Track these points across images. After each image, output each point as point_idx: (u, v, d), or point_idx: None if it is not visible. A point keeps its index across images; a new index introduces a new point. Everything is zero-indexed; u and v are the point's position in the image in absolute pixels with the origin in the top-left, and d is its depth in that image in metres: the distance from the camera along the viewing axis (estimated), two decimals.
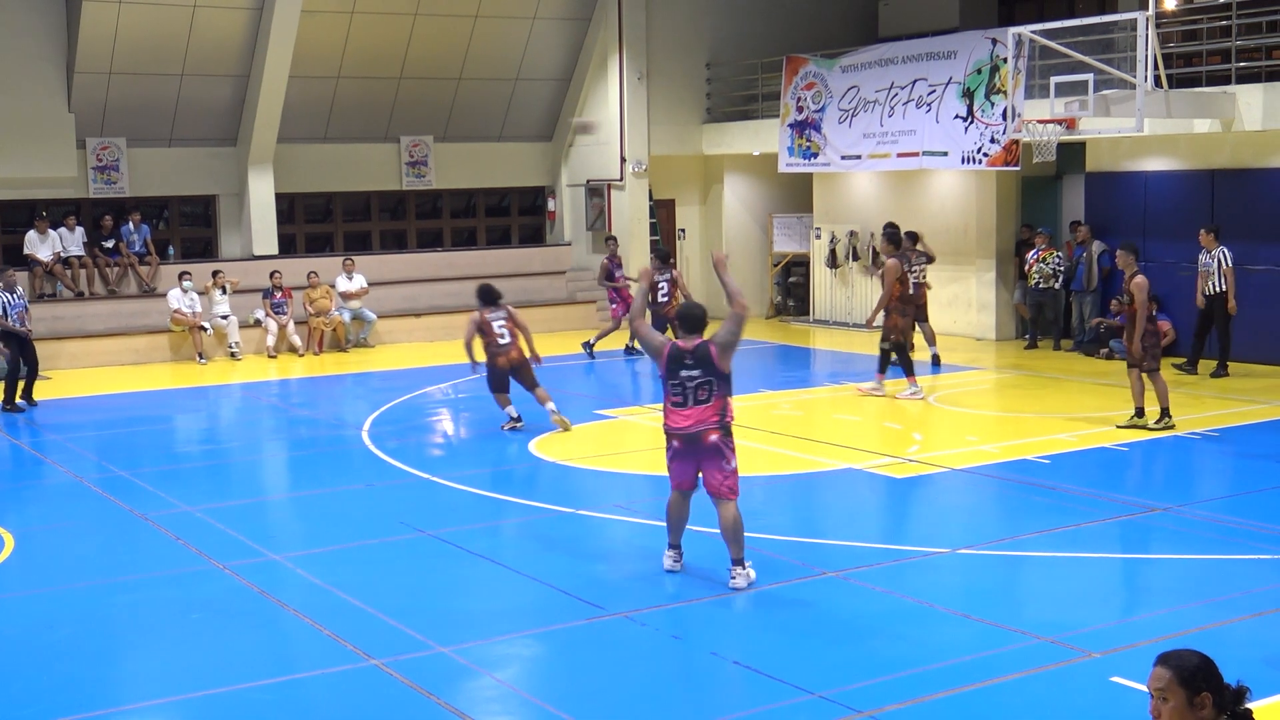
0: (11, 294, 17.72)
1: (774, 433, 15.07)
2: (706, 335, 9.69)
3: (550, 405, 15.09)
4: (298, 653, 8.49)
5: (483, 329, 15.11)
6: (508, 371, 15.13)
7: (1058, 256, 21.05)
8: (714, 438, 9.44)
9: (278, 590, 9.61)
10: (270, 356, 22.75)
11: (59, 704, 7.61)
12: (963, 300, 23.17)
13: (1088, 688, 7.60)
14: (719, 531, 9.58)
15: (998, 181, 22.19)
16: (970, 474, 12.90)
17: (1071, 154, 21.41)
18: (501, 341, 15.08)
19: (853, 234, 24.80)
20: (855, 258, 24.69)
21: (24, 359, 17.80)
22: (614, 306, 21.94)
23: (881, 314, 17.38)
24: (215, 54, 23.38)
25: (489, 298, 15.27)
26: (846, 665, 7.97)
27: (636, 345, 20.81)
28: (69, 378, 20.45)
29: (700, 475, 9.56)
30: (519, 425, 15.23)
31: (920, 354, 18.67)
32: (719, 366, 9.51)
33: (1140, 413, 14.48)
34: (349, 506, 12.35)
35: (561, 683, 7.97)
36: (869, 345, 20.64)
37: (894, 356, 17.10)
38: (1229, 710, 4.53)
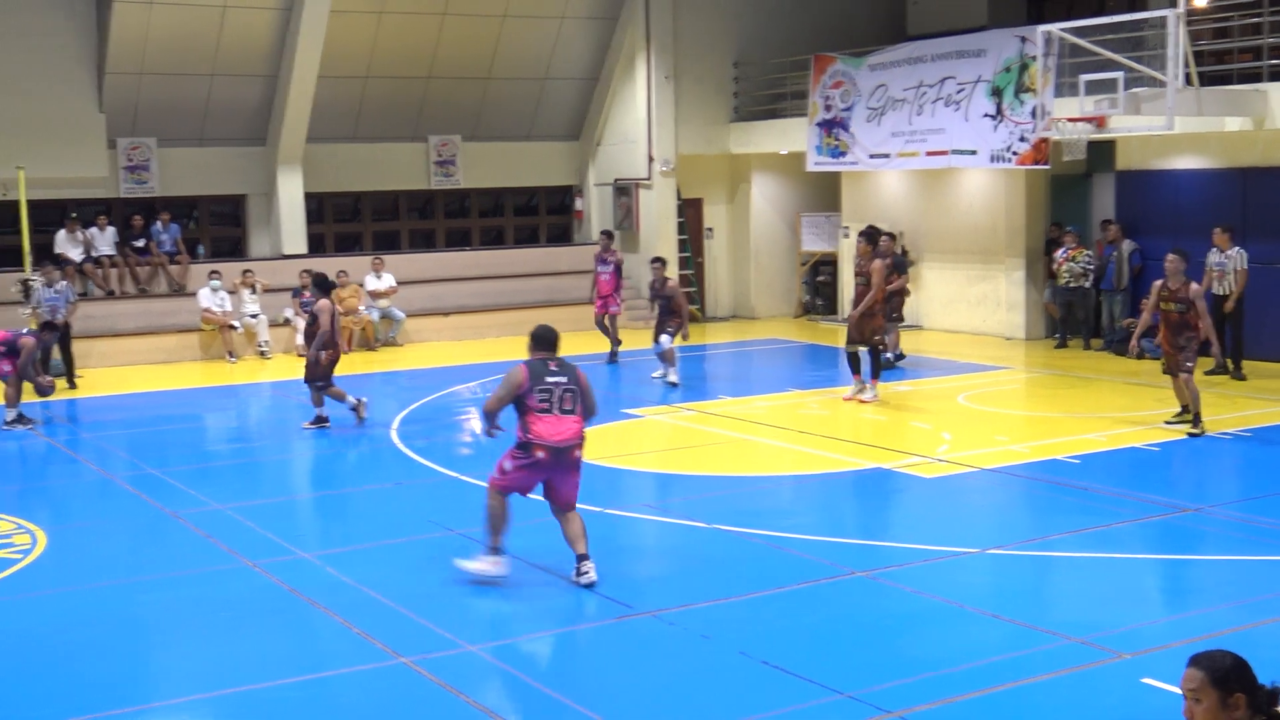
0: (50, 288, 18.84)
1: (802, 432, 15.04)
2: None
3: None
4: (327, 650, 8.51)
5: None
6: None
7: (1087, 255, 20.95)
8: (578, 454, 9.55)
9: (307, 588, 9.64)
10: (299, 355, 22.80)
11: (90, 700, 7.66)
12: (991, 299, 23.08)
13: (1118, 689, 7.55)
14: (567, 537, 9.62)
15: (1027, 180, 22.09)
16: (1000, 474, 12.85)
17: (1101, 152, 21.29)
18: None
19: (892, 234, 24.67)
20: (884, 256, 24.57)
21: (62, 350, 18.85)
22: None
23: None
24: (245, 54, 23.48)
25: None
26: (875, 665, 7.95)
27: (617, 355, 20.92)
28: (100, 376, 20.57)
29: (545, 485, 9.61)
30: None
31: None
32: (583, 383, 9.63)
33: (1186, 409, 14.46)
34: (378, 505, 12.39)
35: (590, 681, 7.97)
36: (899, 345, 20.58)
37: (865, 358, 16.76)
38: (1264, 712, 4.50)
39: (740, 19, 26.57)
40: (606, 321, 21.13)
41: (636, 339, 21.83)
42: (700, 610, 8.97)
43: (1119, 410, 15.70)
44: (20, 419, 16.14)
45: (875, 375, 16.69)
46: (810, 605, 9.13)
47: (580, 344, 20.96)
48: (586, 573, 9.51)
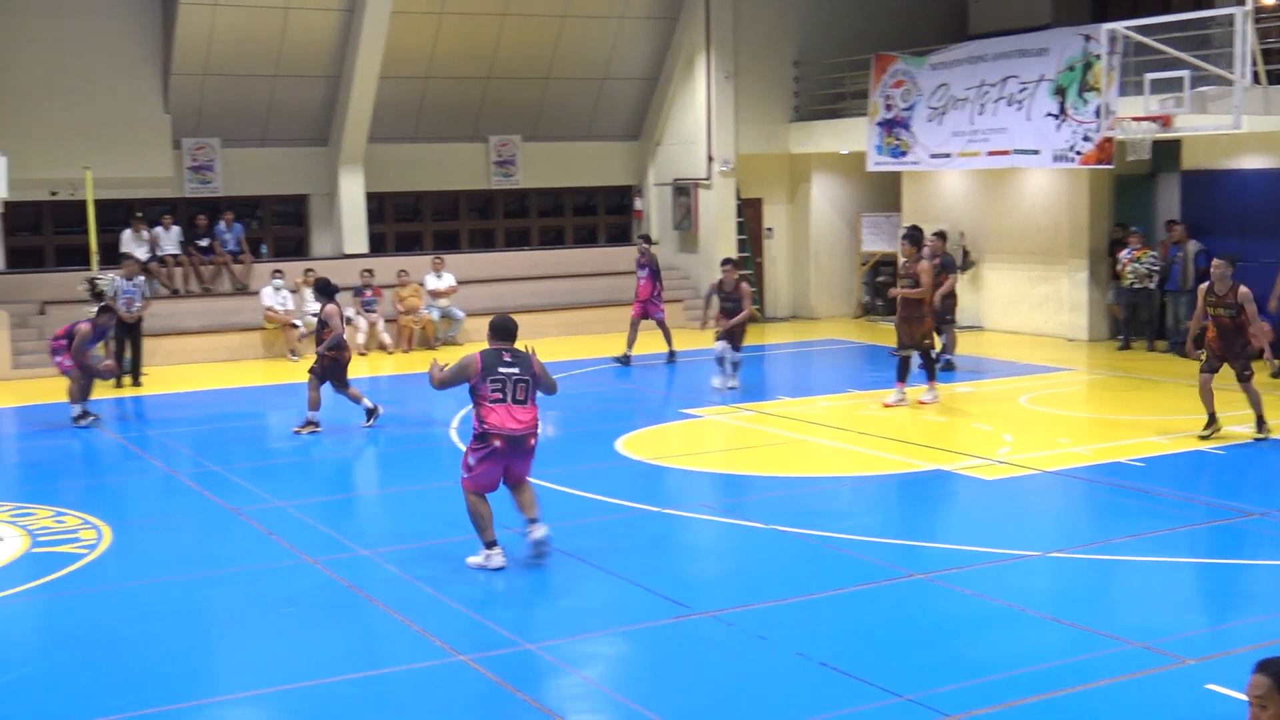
0: (128, 281, 19.82)
1: (861, 433, 14.97)
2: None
3: None
4: (386, 647, 8.57)
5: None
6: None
7: (1152, 256, 20.71)
8: (533, 442, 9.99)
9: (367, 585, 9.71)
10: (360, 354, 22.98)
11: (153, 695, 7.75)
12: (1054, 300, 22.87)
13: (1182, 695, 7.46)
14: (518, 504, 10.10)
15: (1090, 180, 21.87)
16: (1061, 476, 12.74)
17: (1167, 152, 21.04)
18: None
19: (942, 233, 24.52)
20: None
21: (130, 344, 19.60)
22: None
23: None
24: (307, 55, 23.69)
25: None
26: (934, 668, 7.89)
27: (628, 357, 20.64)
28: (164, 374, 20.82)
29: (510, 473, 10.01)
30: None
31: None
32: (537, 370, 9.96)
33: (1214, 419, 14.04)
34: (437, 503, 12.44)
35: (647, 681, 7.97)
36: (959, 345, 20.45)
37: (918, 362, 16.56)
38: None
39: (801, 18, 26.49)
40: (659, 326, 20.91)
41: (691, 339, 21.80)
42: (758, 611, 8.95)
43: (1183, 413, 15.49)
44: (85, 414, 16.35)
45: (931, 378, 16.52)
46: (868, 607, 9.09)
47: (648, 344, 20.99)
48: (536, 531, 10.04)
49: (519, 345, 10.11)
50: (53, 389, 19.24)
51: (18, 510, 12.10)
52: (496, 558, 9.97)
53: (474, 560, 10.05)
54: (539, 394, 10.06)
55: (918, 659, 8.07)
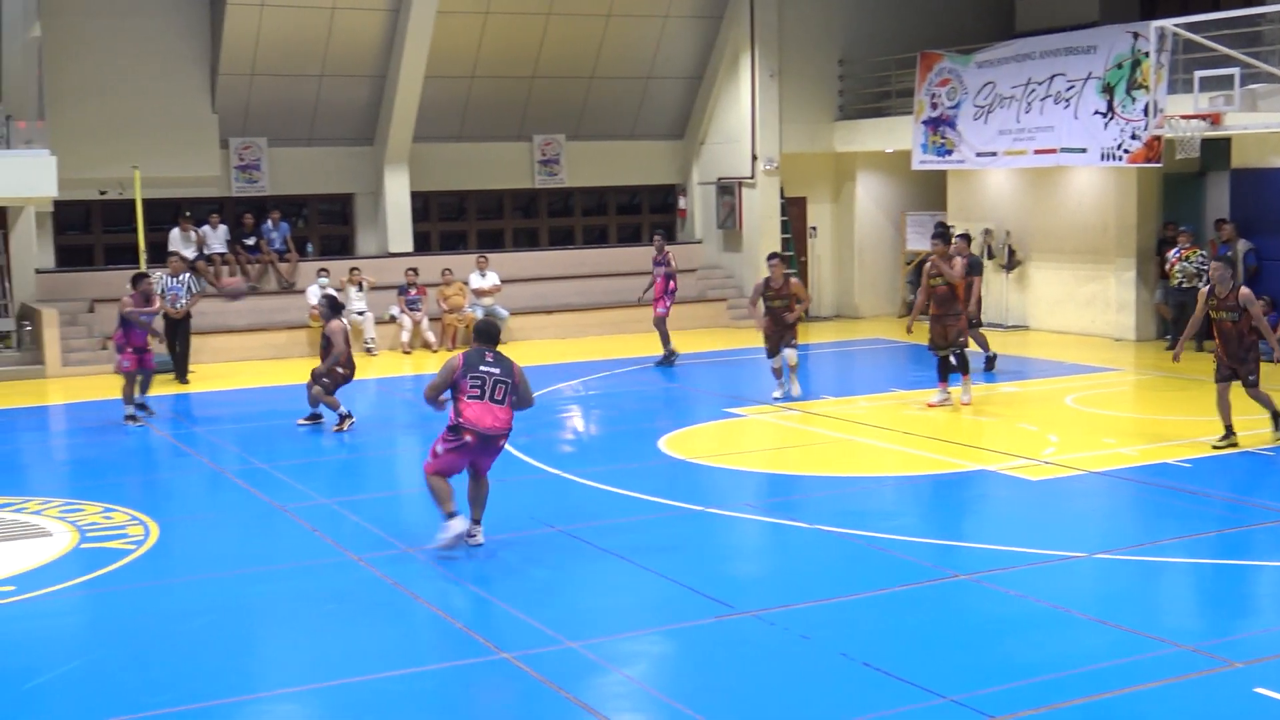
0: (173, 278, 19.91)
1: (906, 433, 14.90)
2: None
3: None
4: (429, 645, 8.60)
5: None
6: None
7: (1201, 255, 20.51)
8: (503, 442, 10.40)
9: (410, 583, 9.75)
10: (404, 352, 23.10)
11: (198, 690, 7.80)
12: (1101, 300, 22.69)
13: (1230, 698, 7.38)
14: (470, 498, 10.50)
15: (1138, 178, 21.68)
16: (1108, 477, 12.63)
17: (1216, 150, 20.83)
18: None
19: (988, 232, 24.42)
20: (990, 256, 24.31)
21: (179, 341, 19.77)
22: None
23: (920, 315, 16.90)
24: (353, 55, 23.82)
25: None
26: (978, 669, 7.85)
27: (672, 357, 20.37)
28: (211, 372, 20.98)
29: (476, 467, 10.44)
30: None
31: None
32: (517, 378, 10.34)
33: (1231, 431, 13.67)
34: None
35: (690, 680, 7.96)
36: (1002, 344, 20.34)
37: (954, 360, 16.28)
38: None
39: (845, 16, 26.40)
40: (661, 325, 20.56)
41: (738, 338, 21.78)
42: (801, 611, 8.92)
43: (1233, 414, 15.32)
44: (134, 416, 16.47)
45: (965, 375, 16.28)
46: (912, 608, 9.04)
47: (686, 342, 20.97)
48: (475, 535, 10.48)
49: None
50: (101, 386, 19.46)
51: (67, 506, 12.22)
52: (457, 524, 10.24)
53: (441, 538, 10.27)
54: (515, 404, 10.40)
55: (962, 660, 8.02)
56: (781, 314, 16.81)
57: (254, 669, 8.37)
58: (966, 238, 19.71)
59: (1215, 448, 13.52)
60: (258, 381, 20.24)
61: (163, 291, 19.97)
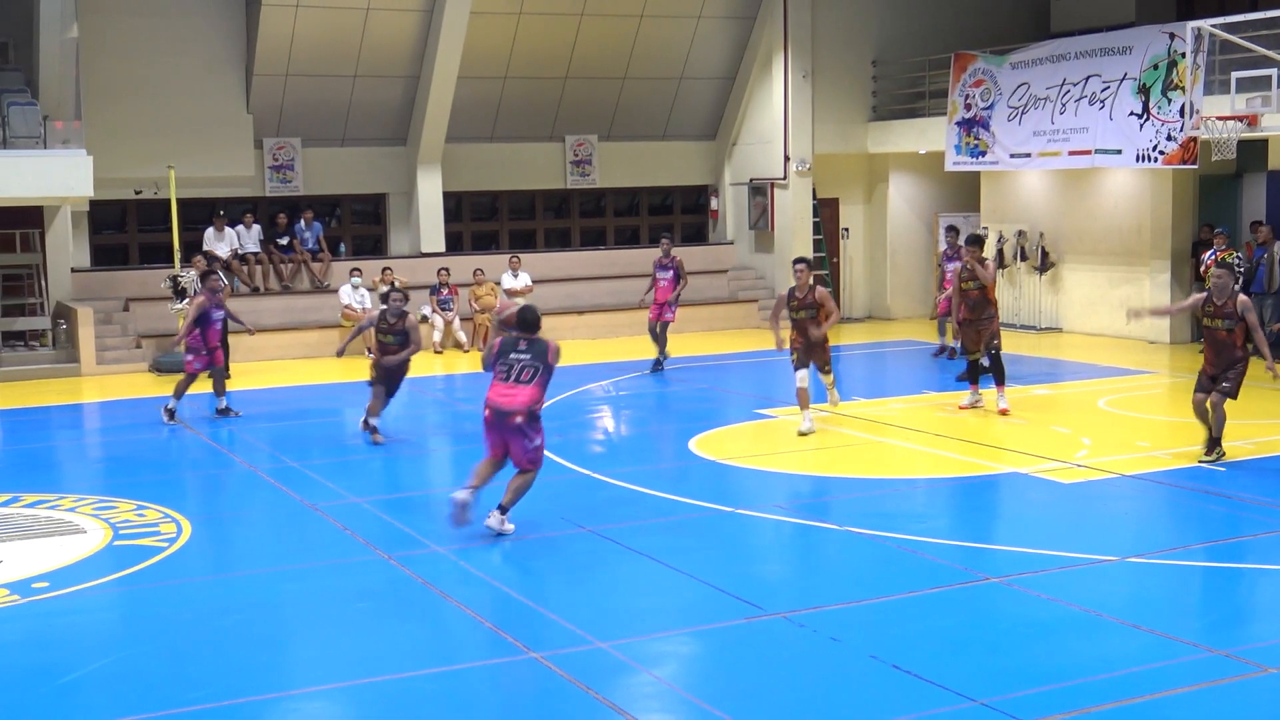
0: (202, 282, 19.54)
1: (937, 435, 14.85)
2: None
3: None
4: (459, 644, 8.62)
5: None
6: None
7: (1237, 257, 20.34)
8: (519, 420, 10.71)
9: (440, 582, 9.77)
10: (436, 352, 23.16)
11: (230, 687, 7.84)
12: (1135, 302, 22.55)
13: (1264, 704, 7.33)
14: (507, 485, 10.88)
15: (1174, 180, 21.55)
16: (1141, 480, 12.55)
17: (1253, 151, 20.70)
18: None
19: (1021, 233, 24.32)
20: (1024, 258, 24.22)
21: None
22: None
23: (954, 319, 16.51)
24: (387, 56, 23.91)
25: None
26: (1009, 673, 7.81)
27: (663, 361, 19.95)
28: (244, 371, 21.08)
29: (508, 448, 10.81)
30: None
31: None
32: (551, 361, 10.90)
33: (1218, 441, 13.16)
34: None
35: (719, 681, 7.96)
36: (1035, 347, 20.24)
37: (984, 364, 16.00)
38: None
39: (879, 16, 26.33)
40: (659, 329, 20.03)
41: (769, 339, 21.70)
42: (831, 612, 8.90)
43: (1269, 417, 15.22)
44: (173, 414, 16.55)
45: (1000, 381, 15.92)
46: (943, 610, 9.01)
47: (717, 343, 20.95)
48: (489, 518, 10.85)
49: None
50: (135, 384, 19.61)
51: (101, 504, 12.31)
52: (461, 494, 10.68)
53: (488, 521, 10.84)
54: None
55: (992, 663, 7.99)
56: (807, 326, 14.96)
57: (285, 666, 8.41)
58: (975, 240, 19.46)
59: (1202, 461, 13.04)
60: (289, 381, 20.34)
61: (195, 291, 20.13)
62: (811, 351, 15.10)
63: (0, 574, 10.10)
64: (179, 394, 16.64)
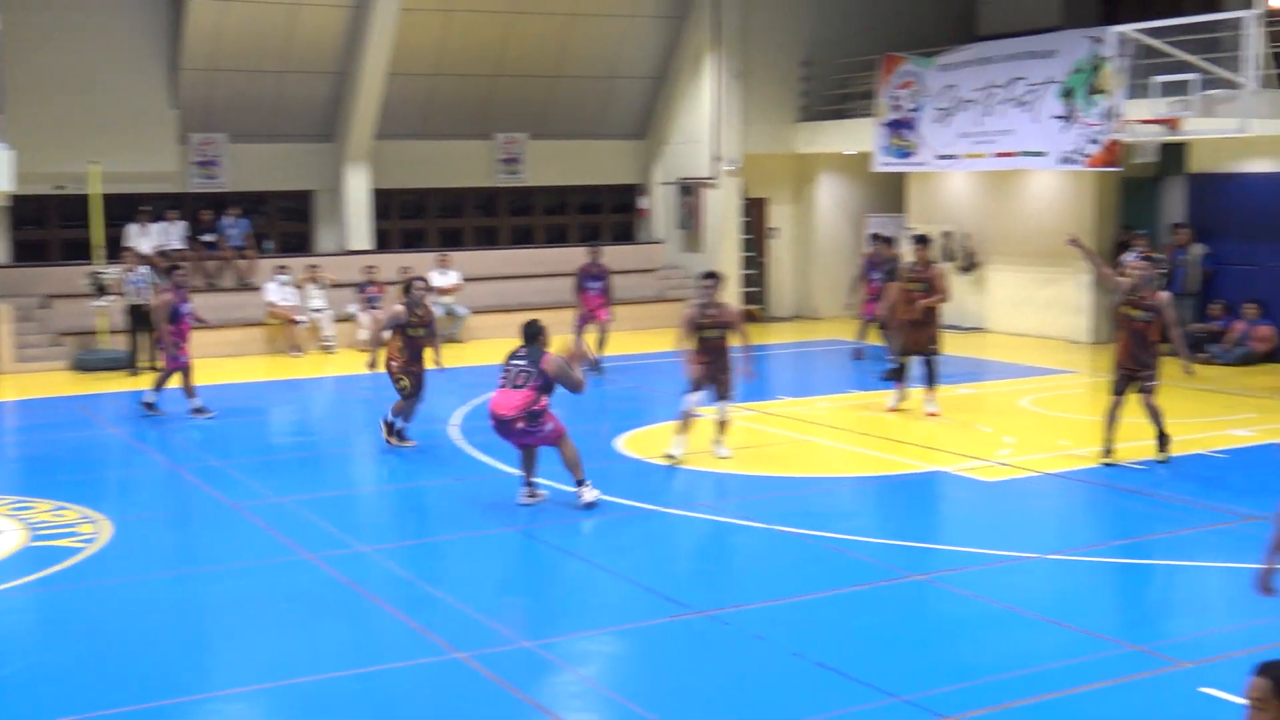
0: (132, 272, 20.47)
1: (862, 434, 14.95)
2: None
3: None
4: (383, 644, 8.57)
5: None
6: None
7: (1158, 259, 20.67)
8: (520, 425, 11.31)
9: (365, 582, 9.71)
10: (362, 350, 22.96)
11: (151, 689, 7.75)
12: (1059, 303, 22.85)
13: (1176, 698, 7.45)
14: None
15: (1097, 182, 21.84)
16: (1062, 478, 12.72)
17: (1173, 155, 21.01)
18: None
19: (948, 234, 24.55)
20: (950, 258, 24.44)
21: (148, 332, 19.89)
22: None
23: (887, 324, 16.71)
24: (316, 51, 23.70)
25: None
26: (931, 669, 7.89)
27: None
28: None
29: (523, 443, 11.56)
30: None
31: None
32: (545, 367, 11.40)
33: (1165, 435, 13.30)
34: (437, 501, 12.47)
35: (644, 680, 7.97)
36: (959, 346, 20.40)
37: (924, 368, 15.87)
38: None
39: (809, 18, 26.45)
40: (594, 333, 20.08)
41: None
42: (755, 611, 8.94)
43: (1186, 416, 15.46)
44: (202, 408, 16.42)
45: (932, 385, 15.87)
46: (866, 608, 9.08)
47: (644, 342, 20.94)
48: (526, 495, 11.78)
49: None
50: (55, 382, 19.32)
51: (18, 504, 12.11)
52: (523, 494, 11.76)
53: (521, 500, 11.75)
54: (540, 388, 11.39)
55: (915, 660, 8.06)
56: (717, 346, 13.46)
57: (207, 668, 8.32)
58: (889, 240, 19.62)
59: (1106, 464, 13.11)
60: (213, 379, 20.06)
61: (125, 291, 19.95)
62: (716, 378, 13.51)
63: None
64: (190, 390, 16.55)
